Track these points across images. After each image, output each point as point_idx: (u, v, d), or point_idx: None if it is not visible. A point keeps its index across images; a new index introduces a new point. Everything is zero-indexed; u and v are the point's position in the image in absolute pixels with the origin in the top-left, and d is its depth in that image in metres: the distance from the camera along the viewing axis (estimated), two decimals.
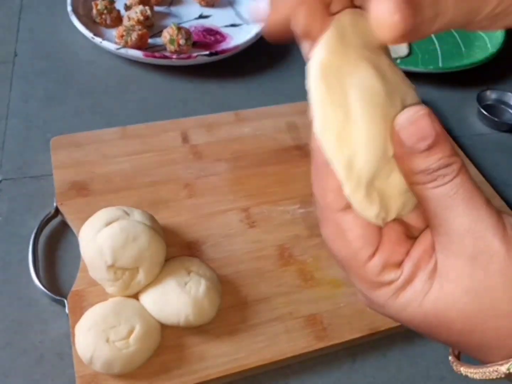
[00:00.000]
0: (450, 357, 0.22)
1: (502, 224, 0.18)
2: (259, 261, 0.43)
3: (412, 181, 0.19)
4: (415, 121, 0.18)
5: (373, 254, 0.19)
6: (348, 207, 0.19)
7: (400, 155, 0.19)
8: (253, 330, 0.38)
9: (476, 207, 0.18)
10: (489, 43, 0.69)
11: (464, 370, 0.20)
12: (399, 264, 0.20)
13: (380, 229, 0.20)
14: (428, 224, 0.20)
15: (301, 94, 0.69)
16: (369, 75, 0.18)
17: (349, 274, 0.21)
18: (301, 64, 0.69)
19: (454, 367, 0.21)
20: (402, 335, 0.41)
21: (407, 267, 0.19)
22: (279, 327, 0.39)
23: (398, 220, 0.20)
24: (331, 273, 0.42)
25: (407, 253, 0.20)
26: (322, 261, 0.43)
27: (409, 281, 0.19)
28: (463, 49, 0.70)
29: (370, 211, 0.19)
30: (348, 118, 0.18)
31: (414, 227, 0.21)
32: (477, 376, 0.20)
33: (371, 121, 0.18)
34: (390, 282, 0.20)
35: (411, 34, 0.17)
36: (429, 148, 0.18)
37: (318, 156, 0.19)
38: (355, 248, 0.20)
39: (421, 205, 0.19)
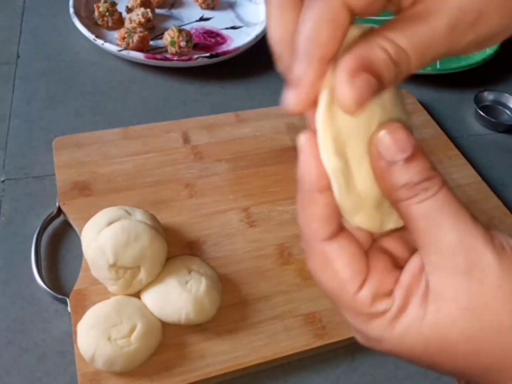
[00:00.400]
0: None
1: (490, 236, 0.18)
2: (259, 260, 0.43)
3: (395, 198, 0.18)
4: (392, 133, 0.18)
5: (362, 285, 0.19)
6: (334, 235, 0.19)
7: (380, 171, 0.18)
8: (253, 328, 0.39)
9: (463, 221, 0.18)
10: None
11: None
12: (389, 293, 0.19)
13: (367, 259, 0.19)
14: (416, 245, 0.19)
15: None
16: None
17: (340, 308, 0.20)
18: None
19: None
20: None
21: (399, 294, 0.19)
22: (279, 325, 0.39)
23: (383, 252, 0.20)
24: None
25: (396, 281, 0.19)
26: None
27: (403, 308, 0.18)
28: None
29: (354, 218, 0.19)
30: (350, 165, 0.18)
31: (399, 257, 0.20)
32: None
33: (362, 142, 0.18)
34: (383, 312, 0.19)
35: (369, 101, 0.17)
36: (408, 160, 0.18)
37: (304, 184, 0.19)
38: (343, 279, 0.19)
39: (407, 225, 0.19)
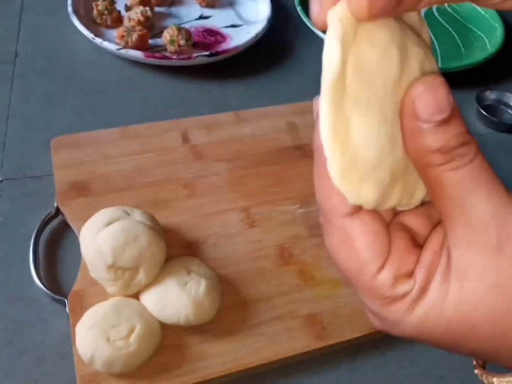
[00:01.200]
0: (476, 370, 0.20)
1: None
2: (259, 261, 0.43)
3: (425, 163, 0.16)
4: (432, 90, 0.16)
5: (383, 266, 0.18)
6: (355, 211, 0.17)
7: (412, 130, 0.16)
8: (253, 329, 0.39)
9: (498, 192, 0.16)
10: (489, 43, 0.69)
11: (497, 380, 0.18)
12: (410, 274, 0.18)
13: (389, 237, 0.18)
14: (443, 216, 0.17)
15: (301, 95, 0.69)
16: (380, 51, 0.16)
17: (358, 289, 0.19)
18: (301, 64, 0.69)
19: (484, 379, 0.19)
20: None
21: (420, 274, 0.17)
22: (279, 327, 0.39)
23: (404, 228, 0.19)
24: (331, 273, 0.42)
25: (417, 261, 0.18)
26: (322, 261, 0.43)
27: (424, 289, 0.17)
28: (462, 49, 0.70)
29: (364, 198, 0.17)
30: (350, 109, 0.16)
31: (420, 235, 0.19)
32: None
33: (372, 112, 0.16)
34: (404, 295, 0.17)
35: (386, 14, 0.15)
36: (447, 121, 0.16)
37: (321, 155, 0.17)
38: (363, 259, 0.18)
39: (434, 193, 0.17)
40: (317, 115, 0.17)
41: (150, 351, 0.36)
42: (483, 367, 0.20)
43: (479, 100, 0.62)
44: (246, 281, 0.41)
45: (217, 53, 0.61)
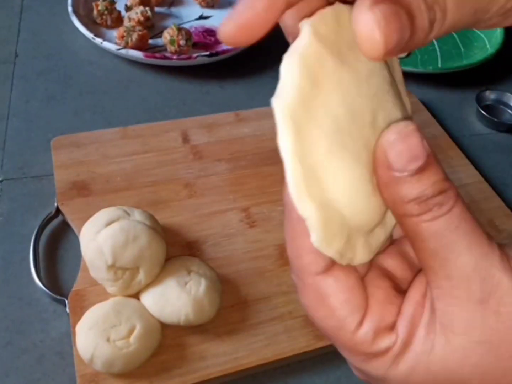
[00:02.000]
0: None
1: (507, 257, 0.16)
2: (259, 261, 0.43)
3: (402, 213, 0.16)
4: (404, 138, 0.15)
5: (362, 321, 0.17)
6: (328, 268, 0.17)
7: (386, 181, 0.16)
8: (253, 329, 0.39)
9: (479, 242, 0.16)
10: (488, 43, 0.69)
11: None
12: (392, 327, 0.17)
13: (365, 290, 0.17)
14: (423, 266, 0.17)
15: None
16: (345, 95, 0.15)
17: (338, 346, 0.18)
18: None
19: None
20: None
21: (402, 327, 0.17)
22: (279, 327, 0.39)
23: (382, 274, 0.18)
24: None
25: (398, 311, 0.17)
26: None
27: (407, 343, 0.17)
28: (462, 49, 0.70)
29: (334, 252, 0.16)
30: (320, 159, 0.15)
31: (400, 278, 0.18)
32: None
33: (350, 160, 0.15)
34: (386, 350, 0.17)
35: (398, 50, 0.14)
36: (422, 170, 0.15)
37: (291, 213, 0.16)
38: (340, 317, 0.17)
39: (413, 243, 0.16)
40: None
41: (150, 351, 0.36)
42: None
43: (479, 100, 0.62)
44: (246, 281, 0.41)
45: (217, 53, 0.61)
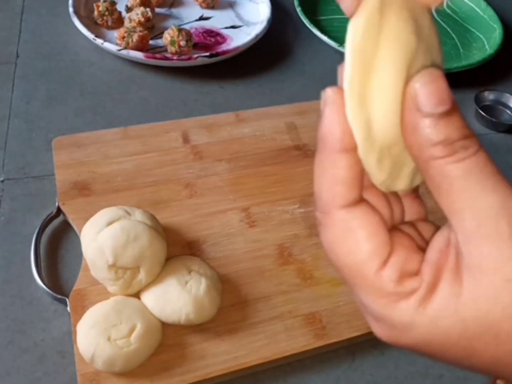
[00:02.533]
0: None
1: None
2: (259, 260, 0.43)
3: (428, 156, 0.16)
4: (434, 80, 0.16)
5: (387, 260, 0.17)
6: (356, 202, 0.17)
7: (413, 124, 0.16)
8: (253, 328, 0.39)
9: (504, 184, 0.16)
10: (487, 44, 0.70)
11: None
12: (416, 272, 0.17)
13: (390, 233, 0.17)
14: (448, 212, 0.16)
15: (300, 95, 0.69)
16: (407, 30, 0.16)
17: (359, 289, 0.17)
18: (301, 65, 0.69)
19: None
20: None
21: (427, 271, 0.16)
22: (279, 326, 0.39)
23: (407, 231, 0.18)
24: (330, 272, 0.43)
25: (422, 260, 0.17)
26: (321, 260, 0.43)
27: (433, 286, 0.16)
28: (461, 50, 0.71)
29: (377, 176, 0.17)
30: (373, 74, 0.16)
31: (418, 244, 0.18)
32: None
33: (396, 81, 0.16)
34: (411, 292, 0.16)
35: None
36: (448, 114, 0.16)
37: (325, 143, 0.17)
38: (366, 251, 0.17)
39: (438, 188, 0.16)
40: (331, 93, 0.17)
41: (151, 350, 0.36)
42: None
43: (478, 101, 0.62)
44: (246, 280, 0.41)
45: (217, 54, 0.61)
